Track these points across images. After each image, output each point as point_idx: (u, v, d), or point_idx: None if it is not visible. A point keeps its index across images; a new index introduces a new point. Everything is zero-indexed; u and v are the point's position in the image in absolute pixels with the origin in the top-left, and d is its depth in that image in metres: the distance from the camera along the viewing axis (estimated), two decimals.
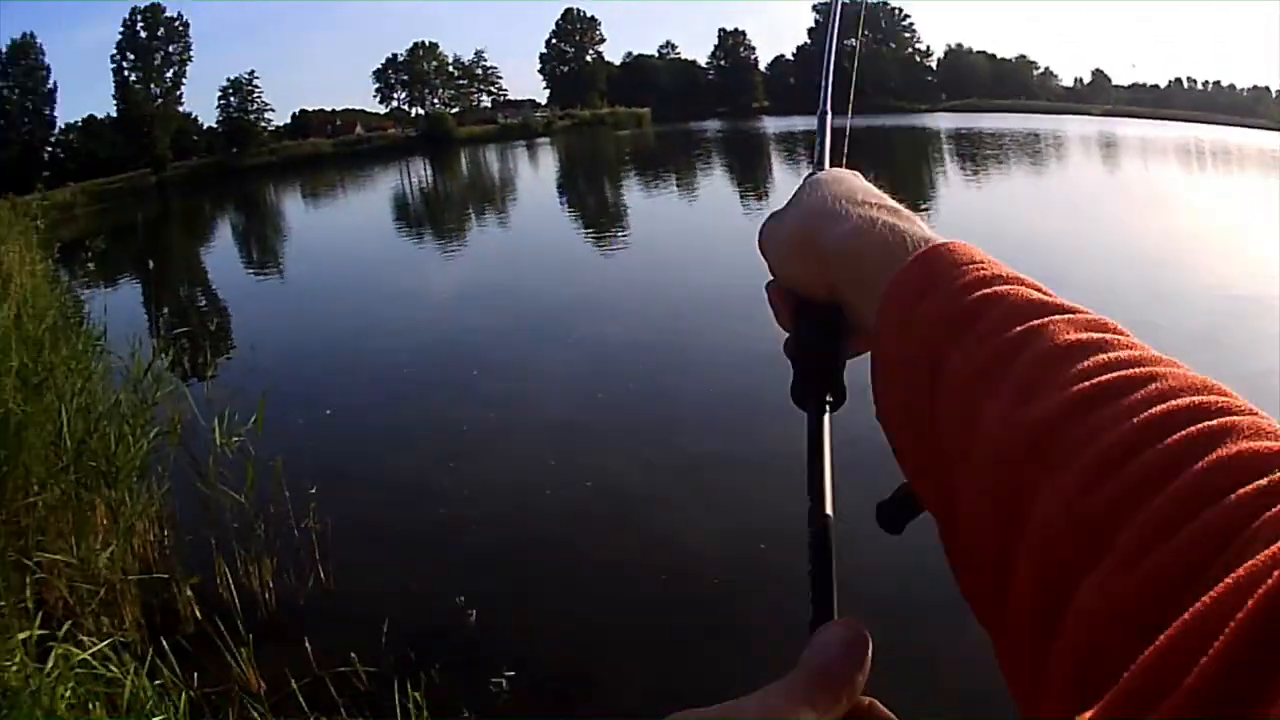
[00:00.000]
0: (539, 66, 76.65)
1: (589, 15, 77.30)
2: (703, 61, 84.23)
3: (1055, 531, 0.39)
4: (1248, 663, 0.27)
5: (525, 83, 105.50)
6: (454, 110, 69.78)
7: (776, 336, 0.63)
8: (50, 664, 3.00)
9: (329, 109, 70.60)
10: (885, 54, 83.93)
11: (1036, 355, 0.45)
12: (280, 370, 8.69)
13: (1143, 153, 47.26)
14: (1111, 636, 0.35)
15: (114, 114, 57.49)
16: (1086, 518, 0.38)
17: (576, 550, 5.00)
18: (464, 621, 4.23)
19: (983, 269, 0.51)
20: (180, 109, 59.81)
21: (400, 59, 71.00)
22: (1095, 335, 0.45)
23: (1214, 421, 0.38)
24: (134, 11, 57.79)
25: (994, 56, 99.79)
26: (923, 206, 21.12)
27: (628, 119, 64.75)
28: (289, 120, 66.84)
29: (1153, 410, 0.40)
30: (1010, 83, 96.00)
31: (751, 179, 29.75)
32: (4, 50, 52.78)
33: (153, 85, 57.93)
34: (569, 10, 77.18)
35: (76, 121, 57.83)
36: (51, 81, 54.68)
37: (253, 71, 70.46)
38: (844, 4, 1.01)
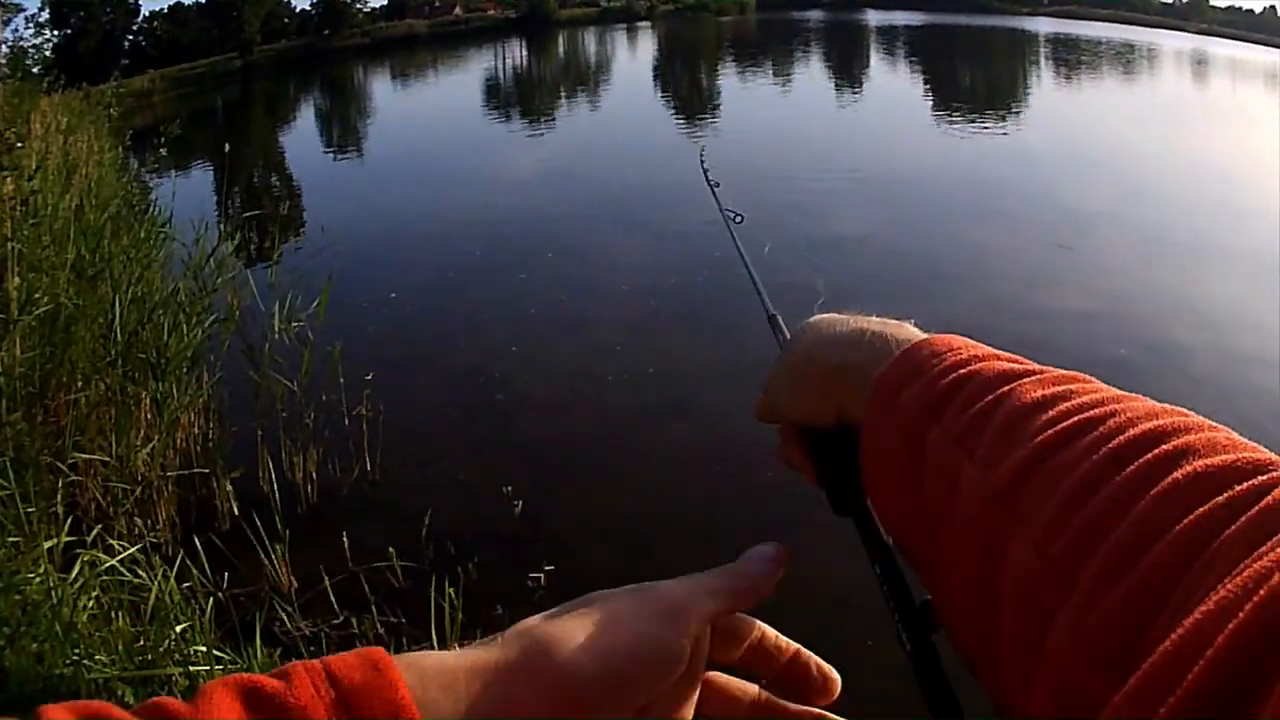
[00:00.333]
0: None
1: None
2: None
3: (1030, 576, 0.41)
4: (1221, 695, 0.28)
5: None
6: None
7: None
8: (75, 572, 2.91)
9: None
10: None
11: (1005, 416, 0.47)
12: (349, 253, 8.44)
13: (1232, 73, 45.22)
14: (1085, 676, 0.36)
15: None
16: (1056, 559, 0.40)
17: (631, 445, 4.81)
18: (509, 513, 4.08)
19: (958, 354, 0.54)
20: None
21: None
22: (1060, 389, 0.48)
23: (1169, 445, 0.40)
24: None
25: None
26: (1014, 109, 20.44)
27: (732, 5, 62.62)
28: (386, 2, 65.85)
29: (1110, 445, 0.42)
30: None
31: (846, 72, 28.44)
32: None
33: None
34: None
35: (162, 9, 57.90)
36: None
37: None
38: None
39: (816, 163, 12.31)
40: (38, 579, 2.87)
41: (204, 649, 2.78)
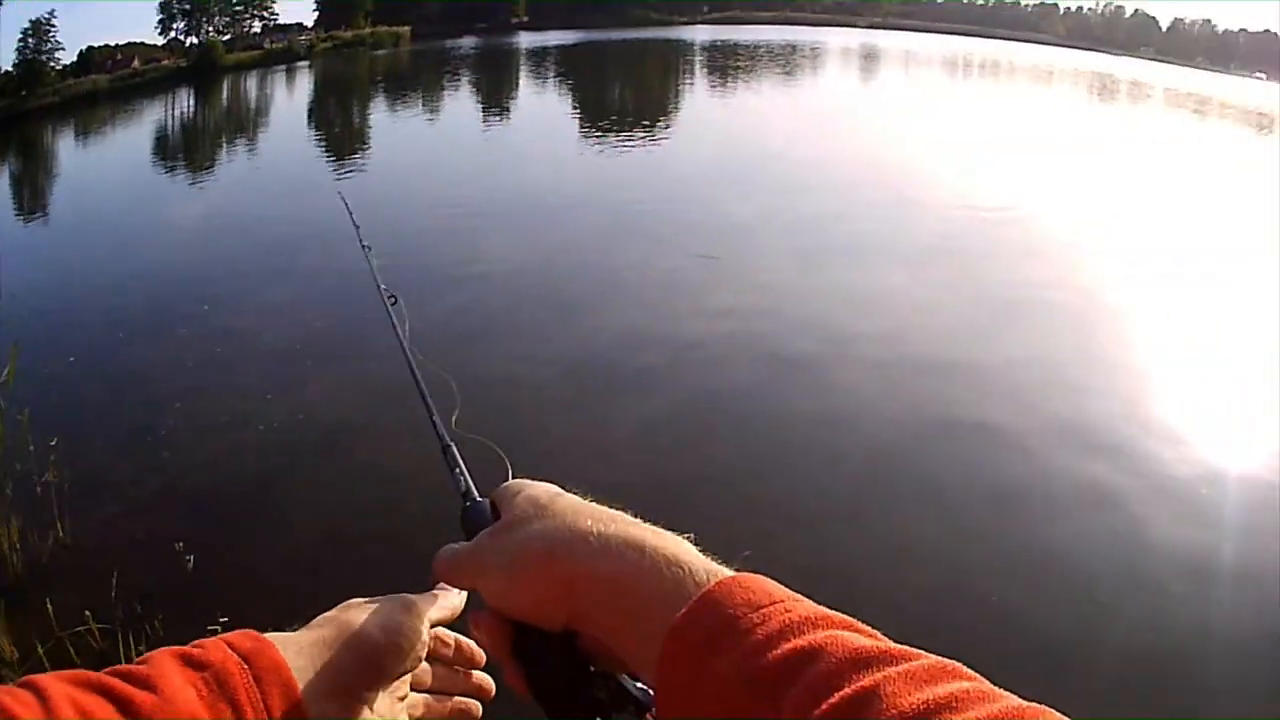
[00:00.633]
0: None
1: None
2: None
3: None
4: None
5: (301, 6, 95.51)
6: (225, 38, 63.10)
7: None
8: None
9: (113, 44, 62.23)
10: None
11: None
12: (35, 319, 8.53)
13: (905, 64, 49.44)
14: None
15: None
16: None
17: (288, 493, 5.37)
18: (184, 568, 4.53)
19: (784, 613, 0.48)
20: None
21: None
22: (937, 693, 0.40)
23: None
24: None
25: None
26: (662, 121, 22.21)
27: (387, 38, 62.05)
28: (75, 59, 58.53)
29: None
30: None
31: (494, 99, 29.59)
32: None
33: None
34: None
35: None
36: None
37: (52, 12, 60.44)
38: None
39: (453, 194, 13.43)
40: None
41: None
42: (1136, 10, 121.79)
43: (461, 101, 29.66)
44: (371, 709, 0.64)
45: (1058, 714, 0.39)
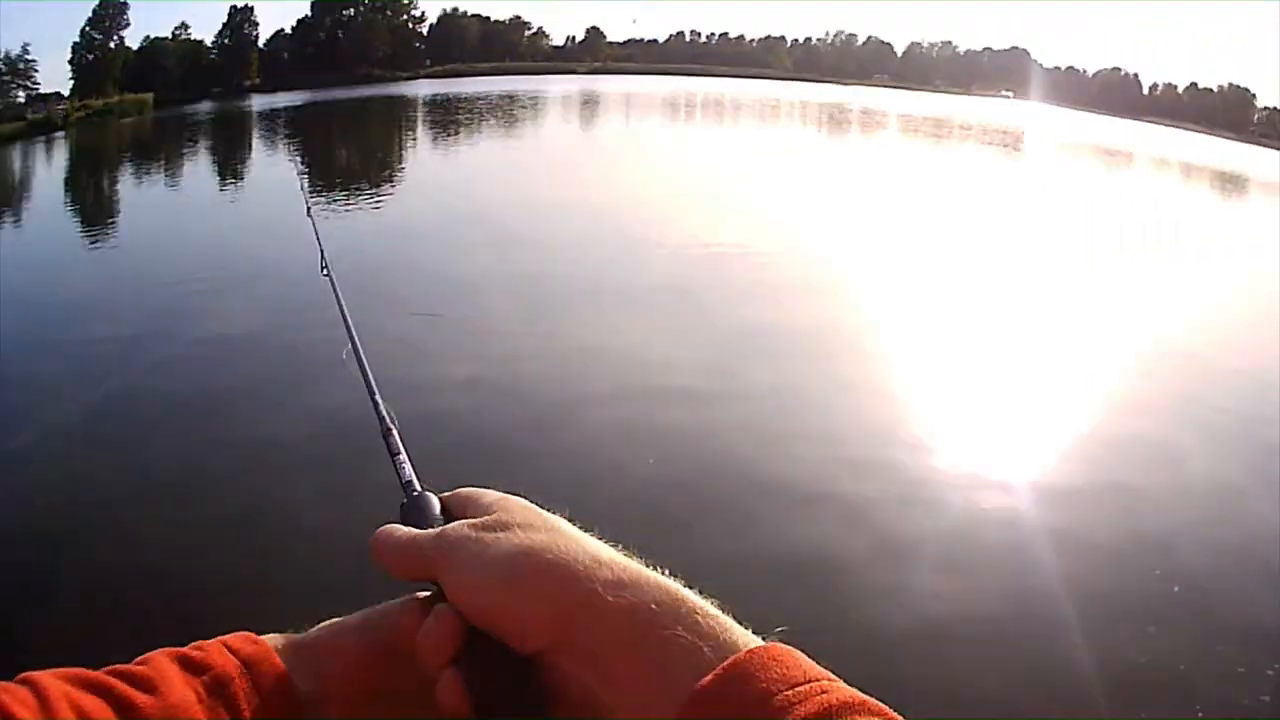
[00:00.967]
0: (69, 56, 67.40)
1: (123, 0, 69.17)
2: (210, 41, 78.62)
3: None
4: None
5: (61, 75, 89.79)
6: None
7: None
8: None
9: None
10: (378, 22, 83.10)
11: None
12: None
13: (625, 108, 50.97)
14: None
15: None
16: None
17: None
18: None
19: (821, 692, 0.44)
20: None
21: None
22: None
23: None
24: None
25: (487, 19, 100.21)
26: (385, 176, 22.93)
27: (133, 106, 59.78)
28: None
29: None
30: (498, 45, 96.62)
31: (230, 164, 29.11)
32: None
33: None
34: None
35: None
36: None
37: None
38: None
39: (188, 270, 12.15)
40: None
41: None
42: (870, 37, 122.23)
43: (199, 168, 29.43)
44: (369, 715, 0.63)
45: None
